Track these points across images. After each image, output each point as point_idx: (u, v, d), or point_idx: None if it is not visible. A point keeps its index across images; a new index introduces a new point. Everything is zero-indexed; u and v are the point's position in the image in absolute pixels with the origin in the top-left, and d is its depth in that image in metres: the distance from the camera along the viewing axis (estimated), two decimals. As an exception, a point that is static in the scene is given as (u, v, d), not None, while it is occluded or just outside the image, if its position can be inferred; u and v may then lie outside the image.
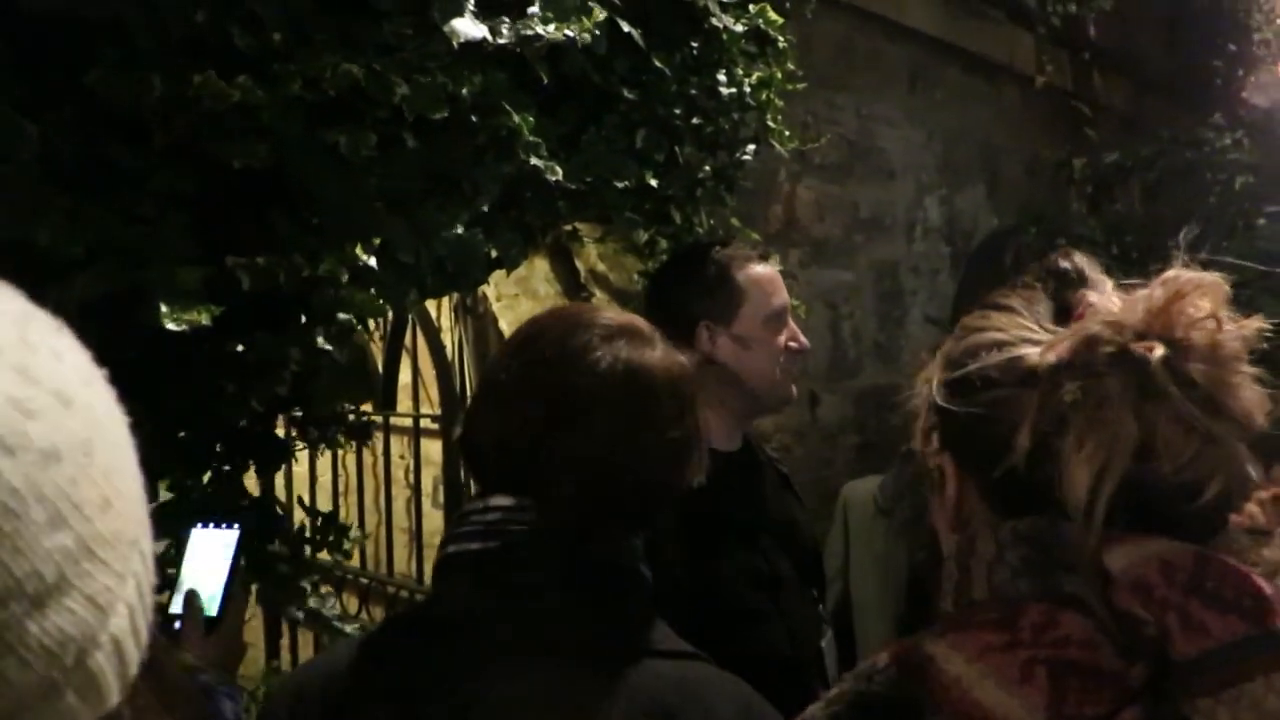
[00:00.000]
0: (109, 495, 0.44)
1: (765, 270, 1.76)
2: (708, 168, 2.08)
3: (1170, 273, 0.77)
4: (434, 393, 3.50)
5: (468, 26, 1.52)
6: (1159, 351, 0.72)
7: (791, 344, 1.73)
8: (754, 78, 2.13)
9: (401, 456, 3.93)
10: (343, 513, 3.15)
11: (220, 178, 1.34)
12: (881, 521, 2.48)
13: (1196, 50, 5.72)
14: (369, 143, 1.45)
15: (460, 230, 1.65)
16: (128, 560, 0.45)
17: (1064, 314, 0.85)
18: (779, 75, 2.16)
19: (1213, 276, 0.76)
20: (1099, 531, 0.73)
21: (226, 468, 1.54)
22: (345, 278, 1.36)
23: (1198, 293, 0.75)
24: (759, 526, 1.67)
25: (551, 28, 1.56)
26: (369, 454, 3.68)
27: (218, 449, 1.53)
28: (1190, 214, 3.84)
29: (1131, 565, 0.72)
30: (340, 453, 3.91)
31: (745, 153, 2.12)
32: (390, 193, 1.51)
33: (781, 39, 2.16)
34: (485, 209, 1.77)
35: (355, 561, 3.64)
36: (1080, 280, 0.86)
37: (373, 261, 1.41)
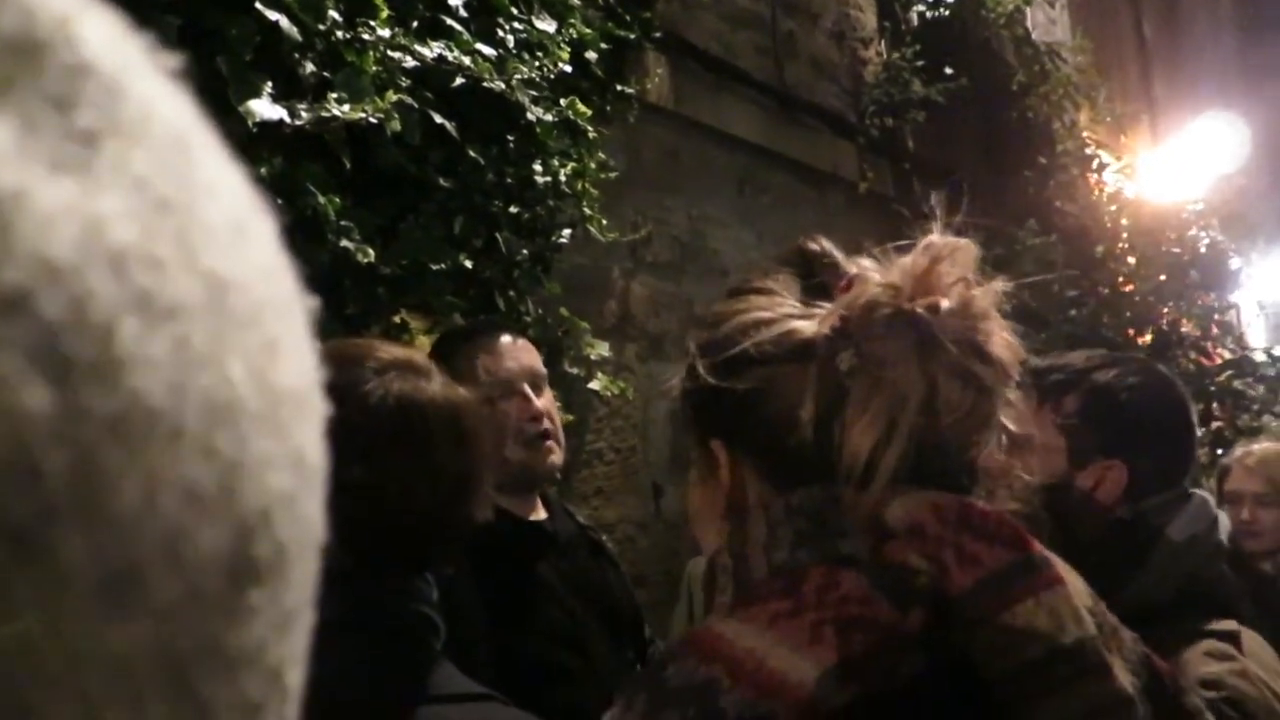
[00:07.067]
0: None
1: (504, 340, 1.73)
2: (525, 252, 2.13)
3: (928, 239, 0.80)
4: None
5: (264, 107, 1.55)
6: (938, 307, 0.75)
7: (530, 420, 1.67)
8: (569, 168, 2.22)
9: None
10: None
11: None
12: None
13: (1008, 161, 6.17)
14: (164, 218, 1.45)
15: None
16: None
17: (817, 292, 0.85)
18: (592, 165, 2.26)
19: (964, 241, 0.80)
20: (878, 492, 0.75)
21: None
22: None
23: (951, 257, 0.78)
24: (565, 589, 1.68)
25: (347, 108, 1.60)
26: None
27: None
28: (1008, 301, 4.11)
29: (907, 514, 0.76)
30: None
31: (562, 236, 2.19)
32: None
33: (591, 130, 2.26)
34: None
35: None
36: (830, 259, 0.90)
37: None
